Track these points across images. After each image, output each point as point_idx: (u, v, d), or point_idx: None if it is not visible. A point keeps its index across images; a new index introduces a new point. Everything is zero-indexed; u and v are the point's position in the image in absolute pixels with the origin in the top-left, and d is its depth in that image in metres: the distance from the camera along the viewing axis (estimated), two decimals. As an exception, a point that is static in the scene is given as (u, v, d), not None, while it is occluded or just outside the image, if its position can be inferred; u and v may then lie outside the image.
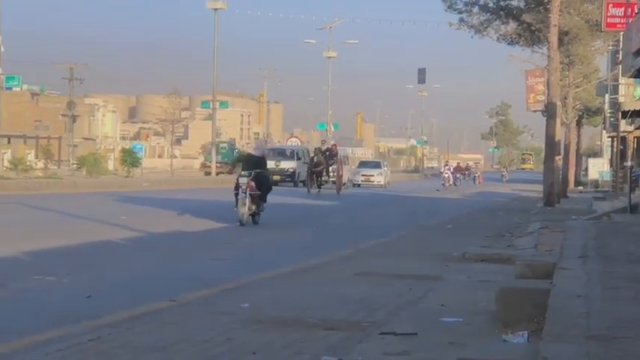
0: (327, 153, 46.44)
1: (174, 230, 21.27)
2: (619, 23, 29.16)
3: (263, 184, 23.43)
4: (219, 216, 24.41)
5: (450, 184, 63.30)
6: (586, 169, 75.81)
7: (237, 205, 22.78)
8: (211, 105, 69.62)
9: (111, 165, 67.45)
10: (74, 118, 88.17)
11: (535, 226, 22.76)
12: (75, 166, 60.55)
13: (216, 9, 66.06)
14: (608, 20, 29.74)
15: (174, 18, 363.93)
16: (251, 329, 8.56)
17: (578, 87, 52.29)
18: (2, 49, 43.83)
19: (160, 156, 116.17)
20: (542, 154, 42.72)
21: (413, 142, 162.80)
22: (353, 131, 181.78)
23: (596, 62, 53.29)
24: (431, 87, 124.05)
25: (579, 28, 37.07)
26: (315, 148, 49.07)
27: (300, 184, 52.16)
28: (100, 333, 8.25)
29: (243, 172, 23.41)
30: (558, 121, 37.60)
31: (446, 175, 63.68)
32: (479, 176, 76.83)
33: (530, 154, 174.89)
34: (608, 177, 57.66)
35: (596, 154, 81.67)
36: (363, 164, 67.44)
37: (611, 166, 52.45)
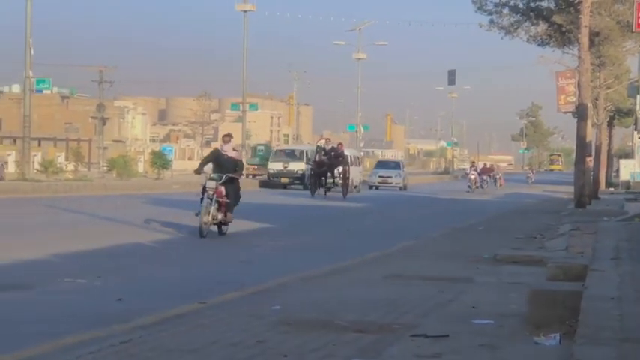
0: (332, 153, 42.34)
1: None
2: (650, 24, 28.94)
3: (233, 192, 20.32)
4: (251, 217, 24.33)
5: (477, 187, 61.35)
6: (617, 171, 75.32)
7: (199, 213, 19.57)
8: (241, 107, 69.68)
9: (141, 167, 67.52)
10: (104, 121, 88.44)
11: (566, 228, 22.66)
12: (105, 168, 60.74)
13: (245, 11, 66.02)
14: (639, 21, 29.54)
15: (204, 20, 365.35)
16: (281, 331, 8.55)
17: (609, 88, 52.04)
18: (33, 52, 44.04)
19: (189, 158, 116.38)
20: (573, 156, 42.56)
21: (443, 143, 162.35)
22: (383, 133, 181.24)
23: (627, 63, 52.96)
24: (461, 88, 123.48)
25: (610, 29, 36.90)
26: (317, 147, 44.21)
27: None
28: (132, 335, 8.26)
29: (212, 175, 20.27)
30: (589, 122, 37.47)
31: (472, 177, 61.27)
32: (500, 178, 74.65)
33: (559, 155, 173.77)
34: (639, 178, 57.31)
35: (627, 155, 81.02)
36: (381, 165, 65.12)
37: (643, 167, 52.19)
